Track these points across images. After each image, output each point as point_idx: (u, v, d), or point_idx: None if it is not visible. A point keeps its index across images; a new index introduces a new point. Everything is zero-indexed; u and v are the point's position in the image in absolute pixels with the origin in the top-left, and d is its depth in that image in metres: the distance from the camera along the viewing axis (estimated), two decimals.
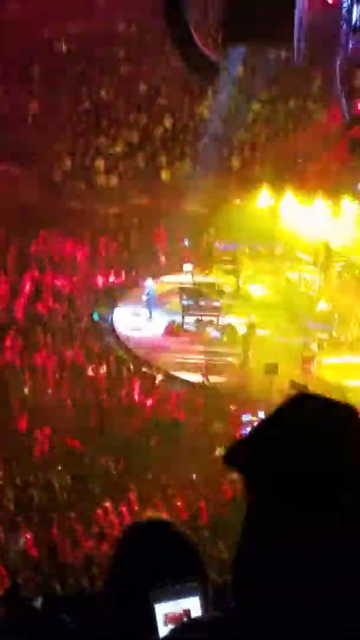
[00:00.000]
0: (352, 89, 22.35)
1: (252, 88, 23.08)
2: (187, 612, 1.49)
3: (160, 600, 1.50)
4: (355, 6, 20.42)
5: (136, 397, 19.80)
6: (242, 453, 1.29)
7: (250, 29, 16.43)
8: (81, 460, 16.41)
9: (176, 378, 21.40)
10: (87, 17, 31.27)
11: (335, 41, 22.09)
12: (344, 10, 20.30)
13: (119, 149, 30.35)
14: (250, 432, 1.30)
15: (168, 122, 31.18)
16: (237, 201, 28.44)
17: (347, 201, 27.21)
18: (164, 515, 13.14)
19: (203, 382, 21.18)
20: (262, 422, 1.31)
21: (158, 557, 1.73)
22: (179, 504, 14.03)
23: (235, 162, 30.01)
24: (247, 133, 30.00)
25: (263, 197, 27.74)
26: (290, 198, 27.59)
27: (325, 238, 26.05)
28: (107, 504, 13.76)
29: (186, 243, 28.27)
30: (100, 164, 29.73)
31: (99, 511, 13.63)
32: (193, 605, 1.49)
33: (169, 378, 21.24)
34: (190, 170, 29.53)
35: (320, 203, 27.16)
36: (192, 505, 14.64)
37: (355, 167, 25.91)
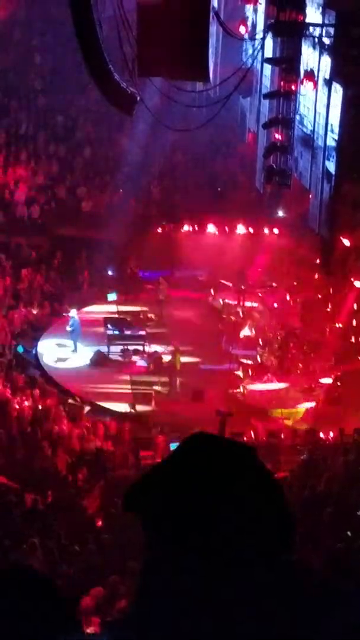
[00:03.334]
0: (266, 120, 22.82)
1: (170, 118, 23.33)
2: None
3: None
4: (270, 38, 20.90)
5: (62, 428, 19.58)
6: (138, 498, 1.31)
7: (166, 62, 16.70)
8: (7, 496, 16.11)
9: (103, 408, 21.29)
10: (3, 49, 31.24)
11: (251, 73, 22.60)
12: (257, 43, 20.77)
13: (39, 180, 30.25)
14: (146, 476, 1.32)
15: (87, 153, 31.27)
16: (159, 230, 28.66)
17: (266, 228, 27.73)
18: (93, 548, 13.00)
19: (130, 411, 21.13)
20: (157, 467, 1.33)
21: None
22: (108, 536, 13.89)
23: (155, 191, 30.25)
24: (166, 162, 30.29)
25: (184, 225, 28.04)
26: (211, 225, 27.96)
27: (241, 264, 26.44)
28: (35, 540, 13.54)
29: (109, 272, 28.29)
30: (20, 195, 29.56)
31: (26, 548, 13.39)
32: None
33: (96, 409, 21.11)
34: (111, 200, 29.62)
35: (241, 230, 27.60)
36: (121, 537, 14.52)
37: (273, 195, 26.39)
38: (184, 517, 1.25)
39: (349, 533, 12.19)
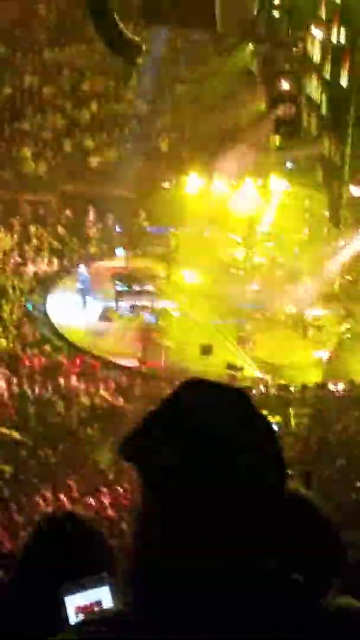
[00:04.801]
0: (274, 70, 22.47)
1: (176, 69, 23.02)
2: (98, 603, 1.50)
3: (70, 592, 1.51)
4: None
5: (73, 384, 19.70)
6: (135, 446, 1.30)
7: (171, 10, 16.39)
8: (20, 451, 16.28)
9: (113, 364, 21.36)
10: (6, 1, 30.72)
11: (256, 22, 22.20)
12: None
13: (45, 135, 30.01)
14: (142, 423, 1.31)
15: (94, 107, 30.95)
16: (167, 184, 28.45)
17: (276, 180, 27.44)
18: (106, 501, 13.14)
19: (140, 367, 21.20)
20: (152, 413, 1.32)
21: (68, 551, 1.77)
22: (120, 489, 14.03)
23: (163, 145, 29.97)
24: (173, 115, 29.97)
25: (192, 179, 27.80)
26: (219, 179, 27.70)
27: (250, 216, 26.24)
28: (48, 494, 13.69)
29: (117, 228, 28.17)
30: (26, 151, 29.35)
31: (40, 501, 13.56)
32: (104, 596, 1.50)
33: (106, 365, 21.18)
34: (118, 155, 29.39)
35: (250, 183, 27.34)
36: (133, 490, 14.68)
37: (282, 146, 26.08)
38: (178, 463, 1.24)
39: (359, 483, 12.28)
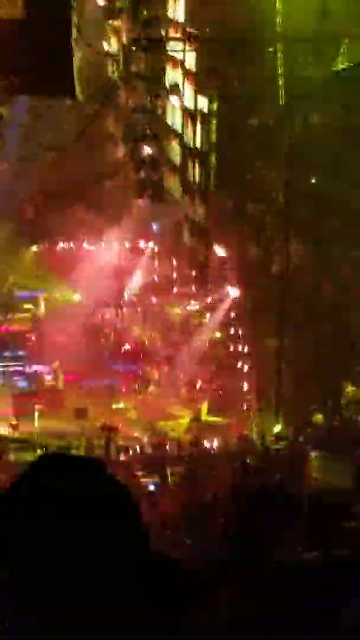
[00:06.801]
0: (136, 135, 23.01)
1: (39, 136, 23.17)
2: None
3: None
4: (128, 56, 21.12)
5: None
6: None
7: (30, 78, 16.62)
8: None
9: None
10: None
11: (115, 87, 22.77)
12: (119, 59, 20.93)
13: None
14: None
15: None
16: (35, 248, 28.39)
17: (143, 242, 27.86)
18: None
19: (12, 434, 20.77)
20: (5, 493, 1.32)
21: None
22: None
23: (30, 211, 29.88)
24: (39, 180, 29.99)
25: (60, 243, 27.85)
26: (87, 242, 27.89)
27: (119, 280, 26.52)
28: None
29: None
30: None
31: None
32: None
33: None
34: None
35: (117, 245, 27.64)
36: None
37: (149, 208, 26.53)
38: (32, 544, 1.24)
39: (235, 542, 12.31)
